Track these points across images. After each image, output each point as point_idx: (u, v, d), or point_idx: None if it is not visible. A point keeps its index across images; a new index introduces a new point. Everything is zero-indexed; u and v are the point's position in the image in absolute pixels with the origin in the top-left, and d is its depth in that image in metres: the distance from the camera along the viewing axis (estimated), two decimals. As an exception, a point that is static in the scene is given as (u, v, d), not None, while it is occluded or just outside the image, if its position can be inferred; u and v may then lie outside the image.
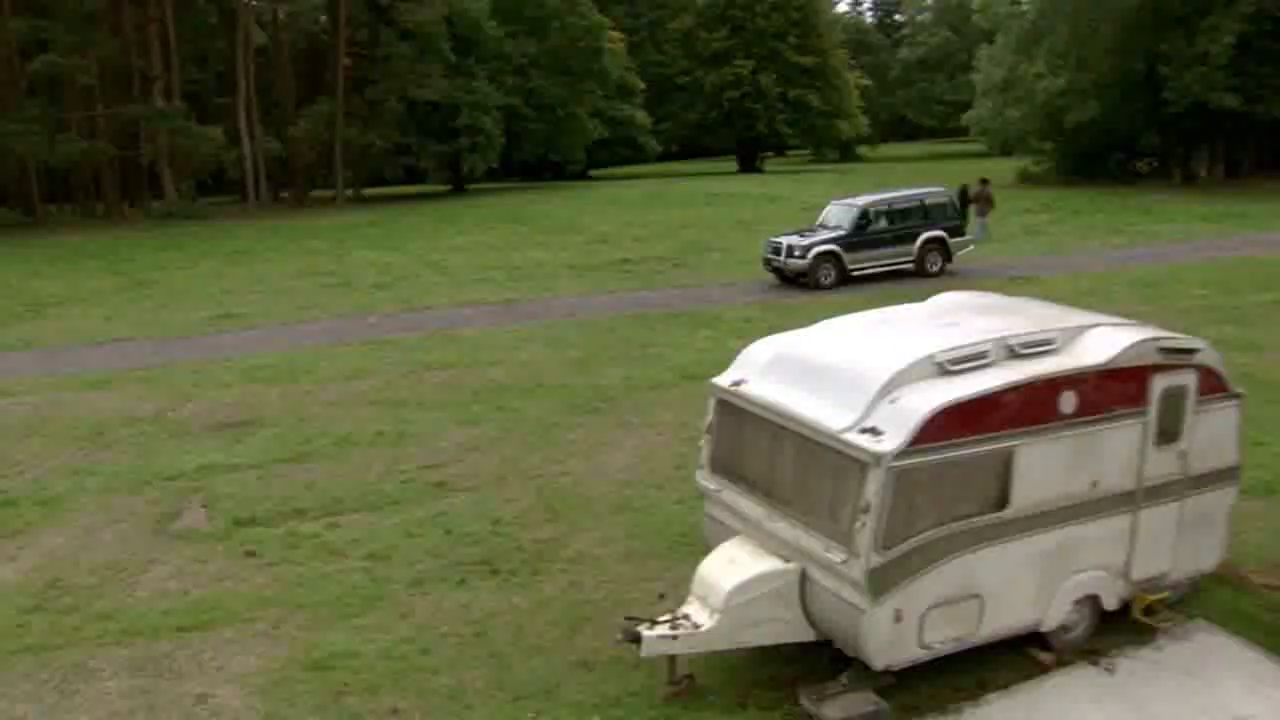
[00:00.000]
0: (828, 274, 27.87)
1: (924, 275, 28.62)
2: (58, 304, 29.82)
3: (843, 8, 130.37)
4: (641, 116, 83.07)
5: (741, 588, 8.64)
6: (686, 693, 8.81)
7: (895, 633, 8.26)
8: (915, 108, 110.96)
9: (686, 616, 8.81)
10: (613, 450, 14.98)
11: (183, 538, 12.45)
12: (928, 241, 28.92)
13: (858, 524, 8.04)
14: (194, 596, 10.90)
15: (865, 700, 8.37)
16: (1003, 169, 58.27)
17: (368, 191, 72.68)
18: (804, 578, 8.65)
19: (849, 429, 8.31)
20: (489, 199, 62.57)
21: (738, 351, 10.13)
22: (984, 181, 38.10)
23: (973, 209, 36.20)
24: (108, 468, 15.07)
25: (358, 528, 12.53)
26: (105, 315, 27.64)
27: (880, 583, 8.08)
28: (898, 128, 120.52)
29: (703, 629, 8.63)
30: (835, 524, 8.32)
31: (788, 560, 8.75)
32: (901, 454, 7.96)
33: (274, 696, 8.95)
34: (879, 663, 8.34)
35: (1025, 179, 59.08)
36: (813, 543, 8.48)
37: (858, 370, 8.79)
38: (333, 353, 22.04)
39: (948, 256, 29.29)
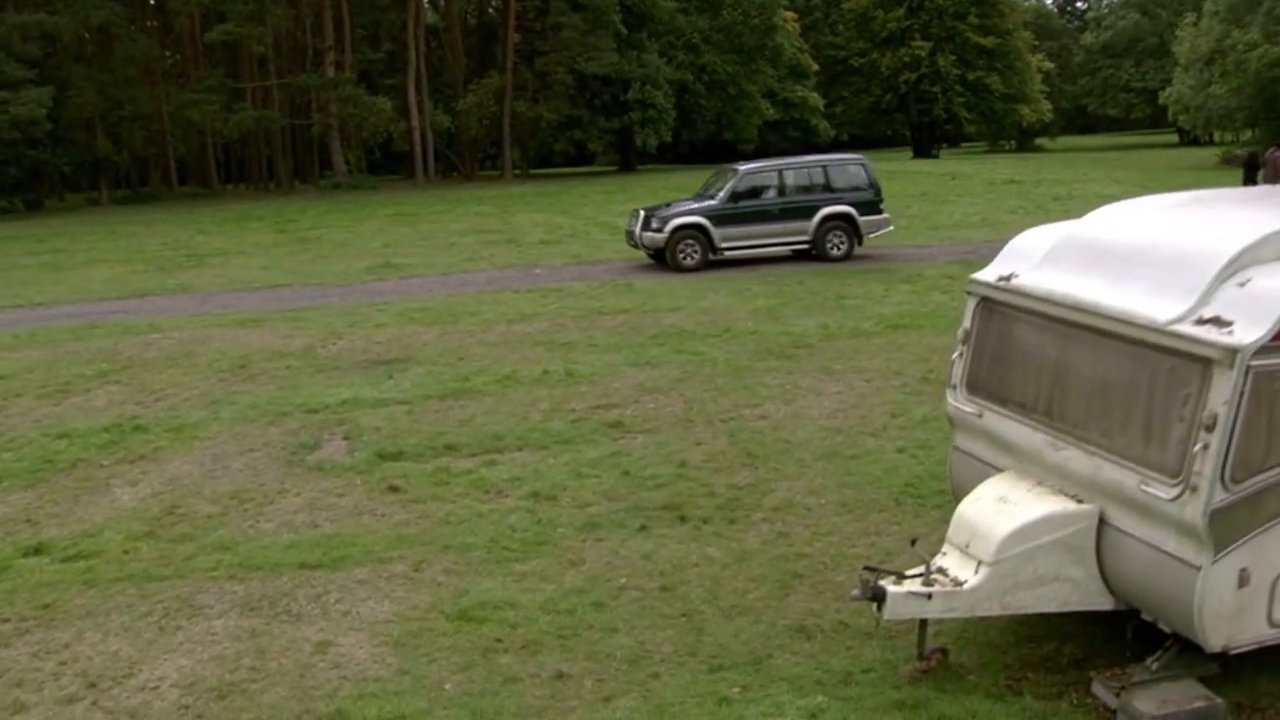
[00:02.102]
0: (690, 253, 23.39)
1: (826, 259, 23.66)
2: (219, 255, 29.45)
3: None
4: (814, 98, 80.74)
5: (1019, 534, 6.36)
6: (938, 670, 6.66)
7: (1239, 601, 5.87)
8: (1097, 96, 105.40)
9: (943, 570, 6.60)
10: (815, 396, 12.82)
11: (319, 469, 10.79)
12: (829, 219, 23.74)
13: (1197, 446, 5.74)
14: (324, 531, 9.16)
15: (1191, 693, 6.06)
16: (1200, 156, 54.19)
17: (535, 170, 71.93)
18: (1102, 524, 6.40)
19: (1181, 319, 5.97)
20: (659, 175, 60.89)
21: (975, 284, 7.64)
22: (1278, 147, 35.12)
23: (1261, 175, 33.28)
24: (246, 399, 13.62)
25: (520, 466, 10.67)
26: (263, 265, 26.98)
27: (1226, 529, 5.71)
28: (1075, 118, 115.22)
29: (965, 586, 6.39)
30: (1159, 448, 6.00)
31: (1080, 500, 6.53)
32: (1264, 350, 5.61)
33: (410, 650, 7.09)
34: (1216, 641, 5.91)
35: (1227, 161, 54.70)
36: (1122, 475, 6.17)
37: (1186, 247, 6.42)
38: (496, 298, 20.50)
39: (857, 238, 24.09)
